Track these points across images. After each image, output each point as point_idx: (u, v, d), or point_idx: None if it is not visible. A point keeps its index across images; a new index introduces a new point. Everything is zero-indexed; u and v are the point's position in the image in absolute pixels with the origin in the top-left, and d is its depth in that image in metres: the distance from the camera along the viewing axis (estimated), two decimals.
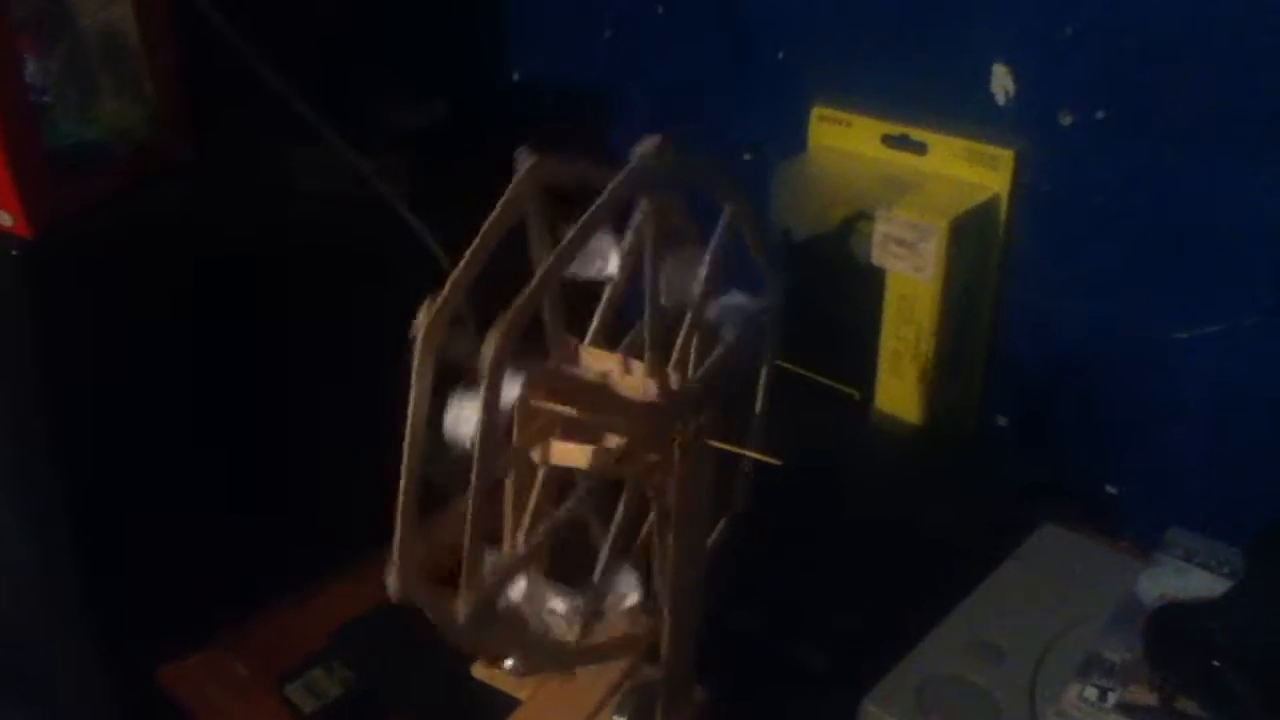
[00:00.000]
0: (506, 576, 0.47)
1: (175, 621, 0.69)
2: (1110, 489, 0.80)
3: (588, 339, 0.50)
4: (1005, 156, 0.76)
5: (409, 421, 0.44)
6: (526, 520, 0.51)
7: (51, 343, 0.75)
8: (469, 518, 0.43)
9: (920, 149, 0.80)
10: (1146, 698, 0.56)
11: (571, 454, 0.50)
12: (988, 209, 0.77)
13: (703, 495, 0.54)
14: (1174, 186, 0.70)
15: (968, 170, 0.78)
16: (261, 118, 0.80)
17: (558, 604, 0.52)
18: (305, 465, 0.85)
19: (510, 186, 0.46)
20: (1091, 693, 0.57)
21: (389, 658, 0.64)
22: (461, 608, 0.44)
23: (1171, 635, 0.56)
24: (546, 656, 0.51)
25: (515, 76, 1.07)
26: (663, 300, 0.50)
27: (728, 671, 0.60)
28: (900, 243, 0.76)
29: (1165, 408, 0.75)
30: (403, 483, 0.43)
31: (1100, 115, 0.72)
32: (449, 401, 0.45)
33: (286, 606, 0.73)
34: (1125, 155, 0.72)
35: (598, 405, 0.49)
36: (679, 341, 0.52)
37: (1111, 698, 0.56)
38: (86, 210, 0.75)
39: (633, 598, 0.51)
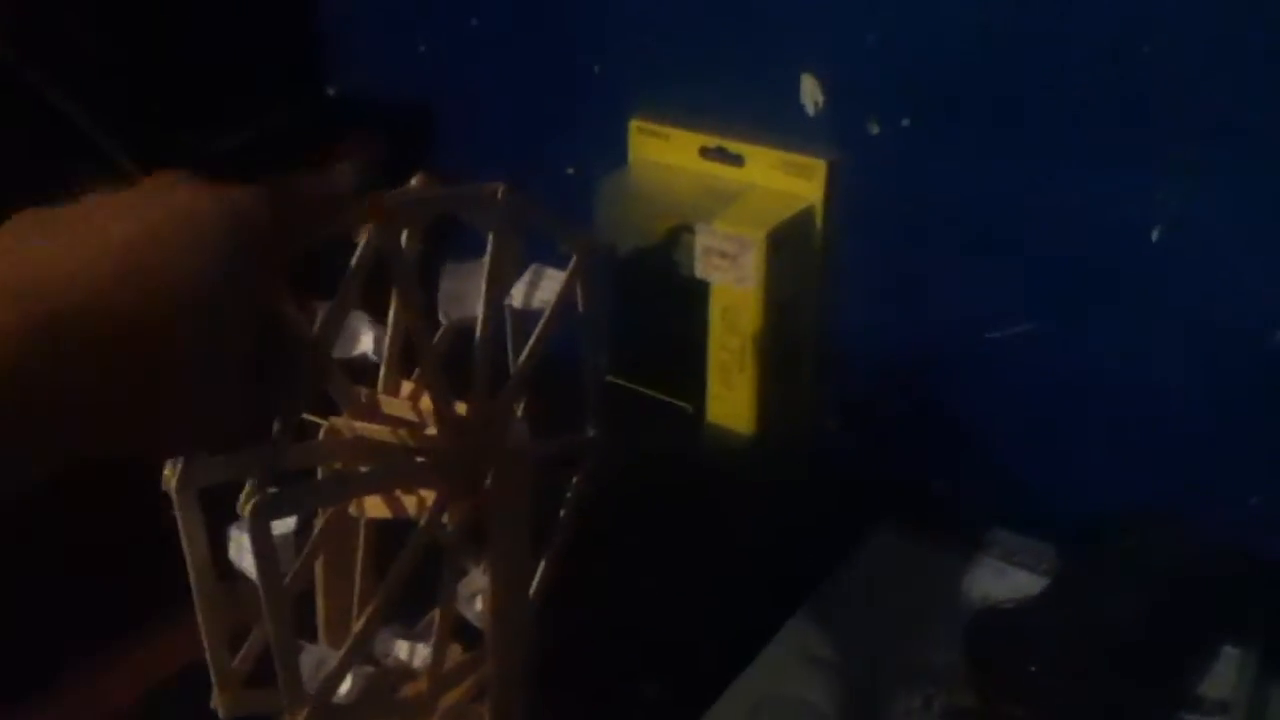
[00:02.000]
0: (334, 683, 0.45)
1: None
2: (940, 487, 0.81)
3: (379, 385, 0.48)
4: (818, 167, 0.77)
5: (190, 566, 0.44)
6: (358, 580, 0.50)
7: None
8: (274, 642, 0.41)
9: (737, 161, 0.80)
10: (970, 702, 0.57)
11: (383, 507, 0.48)
12: (805, 219, 0.78)
13: (521, 528, 0.52)
14: (977, 192, 0.72)
15: (784, 181, 0.78)
16: (57, 149, 0.75)
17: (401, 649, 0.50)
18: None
19: None
20: (916, 700, 0.58)
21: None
22: None
23: (989, 639, 0.57)
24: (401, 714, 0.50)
25: (330, 92, 1.03)
26: (442, 318, 0.48)
27: (561, 706, 0.58)
28: (721, 255, 0.76)
29: (985, 406, 0.77)
30: (202, 622, 0.45)
31: (906, 123, 0.73)
32: (228, 533, 0.43)
33: (95, 666, 0.68)
34: (931, 162, 0.73)
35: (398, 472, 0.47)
36: (475, 356, 0.47)
37: (936, 704, 0.57)
38: None
39: (418, 653, 0.49)
